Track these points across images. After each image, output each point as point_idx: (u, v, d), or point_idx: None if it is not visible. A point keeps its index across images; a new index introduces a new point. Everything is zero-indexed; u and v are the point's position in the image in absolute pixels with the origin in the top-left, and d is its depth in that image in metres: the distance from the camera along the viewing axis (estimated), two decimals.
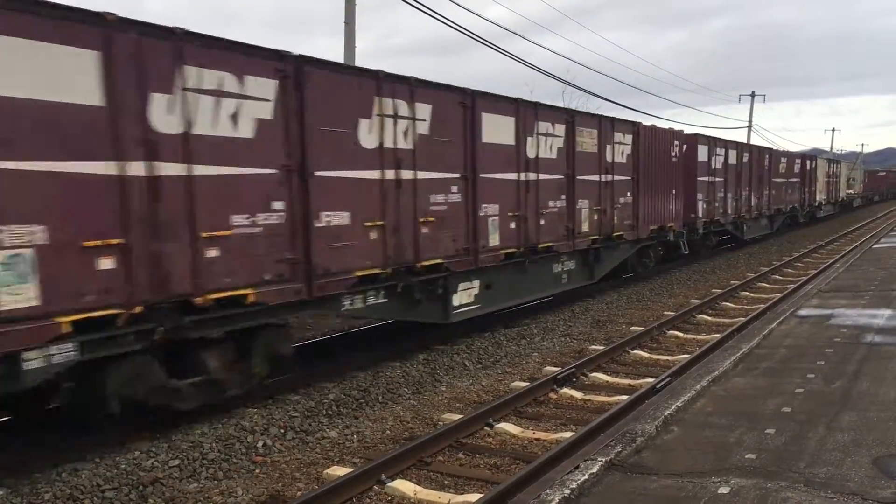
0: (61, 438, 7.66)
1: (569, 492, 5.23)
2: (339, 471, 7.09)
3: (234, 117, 7.96)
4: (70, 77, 6.51)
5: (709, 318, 14.95)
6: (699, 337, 13.11)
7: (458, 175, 11.43)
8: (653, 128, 18.79)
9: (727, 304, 16.47)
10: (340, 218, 9.31)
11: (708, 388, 7.90)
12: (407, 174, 10.36)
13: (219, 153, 7.79)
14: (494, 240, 12.29)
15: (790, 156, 36.46)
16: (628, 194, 17.40)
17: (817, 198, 42.78)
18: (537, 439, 8.09)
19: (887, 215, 53.34)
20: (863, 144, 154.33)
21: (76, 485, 6.69)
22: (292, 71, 8.63)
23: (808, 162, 39.96)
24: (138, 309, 7.08)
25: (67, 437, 7.66)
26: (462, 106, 11.48)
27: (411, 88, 10.47)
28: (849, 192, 74.56)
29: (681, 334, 13.37)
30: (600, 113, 16.62)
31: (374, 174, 9.80)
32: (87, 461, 7.17)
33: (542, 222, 13.68)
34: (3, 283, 6.06)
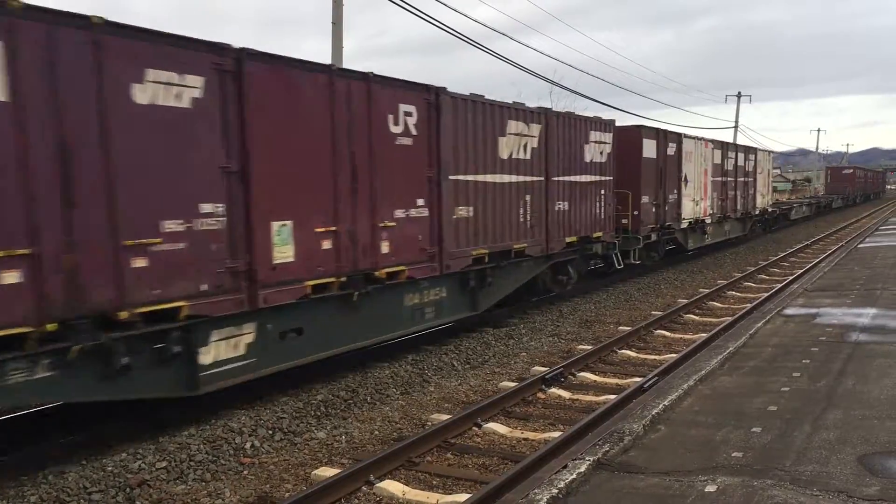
0: (47, 440, 7.61)
1: (557, 491, 5.24)
2: (328, 471, 7.08)
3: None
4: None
5: (696, 317, 15.02)
6: (686, 336, 13.17)
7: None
8: None
9: (714, 303, 16.56)
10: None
11: (695, 387, 7.95)
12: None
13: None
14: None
15: (569, 120, 15.56)
16: None
17: (687, 213, 22.66)
18: (525, 439, 8.10)
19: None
20: (848, 144, 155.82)
21: (62, 487, 6.65)
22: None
23: (645, 142, 19.56)
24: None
25: (53, 440, 7.61)
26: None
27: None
28: (807, 196, 55.46)
29: (668, 334, 13.43)
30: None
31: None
32: (73, 463, 7.13)
33: None
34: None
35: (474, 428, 8.35)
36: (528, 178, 14.02)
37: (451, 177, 11.62)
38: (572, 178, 15.67)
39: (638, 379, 9.97)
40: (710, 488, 5.23)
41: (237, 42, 8.15)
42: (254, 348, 8.53)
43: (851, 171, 73.19)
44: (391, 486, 6.74)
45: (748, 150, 30.78)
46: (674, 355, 11.20)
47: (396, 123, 10.47)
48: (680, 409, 7.20)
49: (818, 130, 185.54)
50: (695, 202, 23.42)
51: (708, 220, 24.74)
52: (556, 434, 7.89)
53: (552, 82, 31.75)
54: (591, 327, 14.23)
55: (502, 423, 8.57)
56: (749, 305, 15.15)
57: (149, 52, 7.23)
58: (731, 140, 39.62)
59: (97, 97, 6.84)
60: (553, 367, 10.61)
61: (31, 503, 6.41)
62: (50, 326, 6.46)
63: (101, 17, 6.86)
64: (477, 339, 12.65)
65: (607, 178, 17.11)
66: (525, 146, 13.86)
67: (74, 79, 6.69)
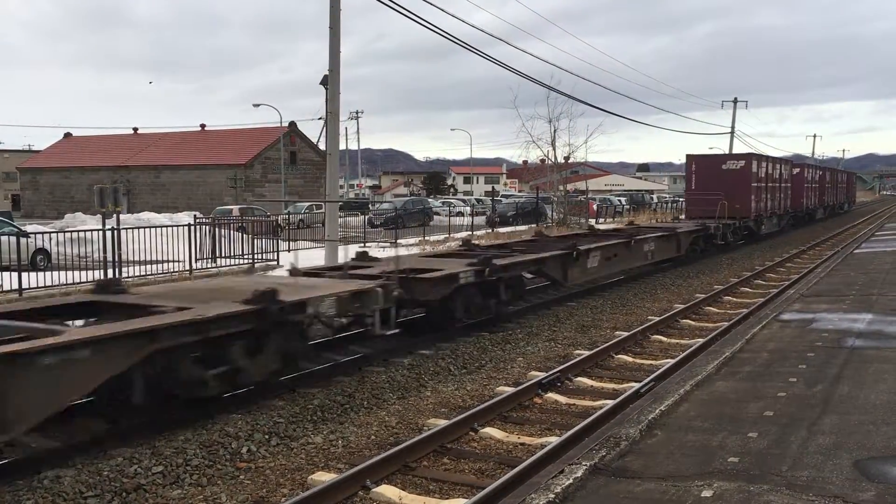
0: (41, 445, 7.59)
1: (553, 496, 5.24)
2: (324, 476, 7.07)
3: None
4: None
5: (692, 322, 15.04)
6: (682, 341, 13.19)
7: None
8: None
9: (710, 308, 16.58)
10: None
11: (691, 393, 7.95)
12: None
13: None
14: None
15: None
16: None
17: None
18: (522, 444, 8.10)
19: None
20: (844, 150, 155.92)
21: (58, 491, 6.63)
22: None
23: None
24: None
25: (49, 443, 7.59)
26: None
27: None
28: None
29: (664, 339, 13.44)
30: None
31: None
32: (69, 467, 7.11)
33: None
34: None
35: (471, 433, 8.35)
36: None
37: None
38: None
39: (634, 384, 9.97)
40: (707, 493, 5.23)
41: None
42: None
43: (742, 163, 31.61)
44: (388, 491, 6.74)
45: None
46: (670, 360, 11.21)
47: None
48: (676, 414, 7.21)
49: (814, 136, 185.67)
50: None
51: None
52: (553, 439, 7.89)
53: (549, 87, 31.52)
54: (588, 332, 14.24)
55: (499, 428, 8.56)
56: (745, 311, 15.18)
57: None
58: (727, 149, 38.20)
59: None
60: (550, 371, 10.60)
61: None
62: None
63: None
64: (473, 344, 12.65)
65: None
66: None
67: None
